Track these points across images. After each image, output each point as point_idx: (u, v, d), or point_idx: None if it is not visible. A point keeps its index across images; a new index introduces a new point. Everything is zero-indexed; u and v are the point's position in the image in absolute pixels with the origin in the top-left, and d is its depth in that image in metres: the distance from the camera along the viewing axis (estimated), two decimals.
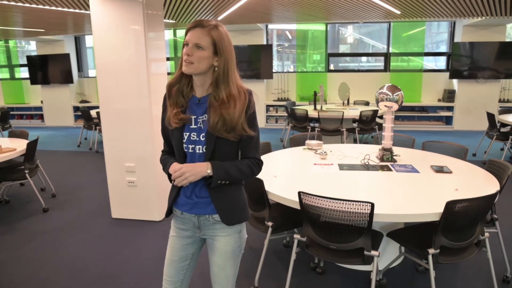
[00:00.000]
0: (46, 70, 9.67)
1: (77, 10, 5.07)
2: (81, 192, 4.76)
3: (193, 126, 1.53)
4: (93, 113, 7.06)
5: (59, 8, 4.86)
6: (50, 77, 9.72)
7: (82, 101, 10.02)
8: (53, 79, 9.72)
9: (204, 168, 1.47)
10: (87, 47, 10.33)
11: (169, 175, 1.54)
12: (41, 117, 10.33)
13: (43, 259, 3.10)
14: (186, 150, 1.54)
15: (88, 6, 3.64)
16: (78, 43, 10.15)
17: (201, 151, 1.52)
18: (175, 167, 1.48)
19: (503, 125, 5.91)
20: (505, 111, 6.35)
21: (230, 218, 1.58)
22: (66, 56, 9.52)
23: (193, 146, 1.52)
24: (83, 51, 10.30)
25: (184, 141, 1.53)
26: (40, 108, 10.24)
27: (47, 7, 4.73)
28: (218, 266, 1.63)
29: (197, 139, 1.52)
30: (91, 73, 10.48)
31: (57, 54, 9.59)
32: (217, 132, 1.47)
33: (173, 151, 1.64)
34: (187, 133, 1.53)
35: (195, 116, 1.53)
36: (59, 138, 8.45)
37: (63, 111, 10.01)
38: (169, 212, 1.67)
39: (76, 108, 9.95)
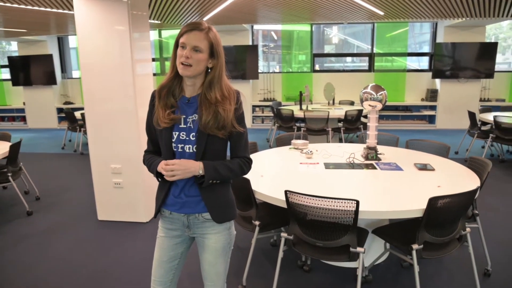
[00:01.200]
0: (28, 71, 9.48)
1: (60, 10, 5.01)
2: (66, 194, 4.70)
3: (182, 126, 1.54)
4: (77, 114, 6.97)
5: (42, 8, 4.80)
6: (32, 78, 9.54)
7: (66, 103, 9.87)
8: (35, 80, 9.55)
9: (197, 168, 1.48)
10: (70, 47, 10.18)
11: (158, 174, 1.55)
12: (23, 119, 10.13)
13: (28, 262, 3.05)
14: (175, 150, 1.55)
15: (72, 6, 3.60)
16: (61, 43, 9.99)
17: (191, 151, 1.53)
18: (169, 161, 1.49)
19: (484, 123, 6.05)
20: (485, 110, 6.50)
21: (220, 216, 1.60)
22: (49, 57, 9.36)
23: (182, 145, 1.53)
24: (66, 52, 10.14)
25: (173, 140, 1.54)
26: (22, 110, 10.04)
27: (29, 7, 4.66)
28: (209, 264, 1.64)
29: (187, 138, 1.53)
30: (75, 74, 10.33)
31: (40, 55, 9.42)
32: (208, 129, 1.49)
33: (157, 151, 1.64)
34: (177, 133, 1.54)
35: (184, 116, 1.55)
36: (43, 140, 8.31)
37: (46, 112, 9.84)
38: (158, 213, 1.67)
39: (59, 110, 9.80)
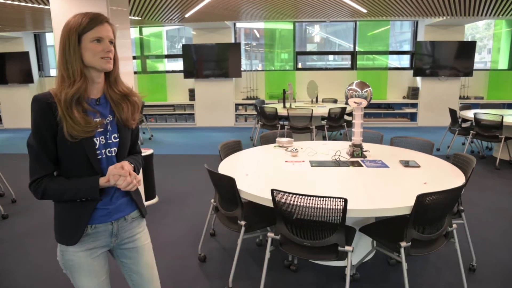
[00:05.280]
0: (3, 69, 9.17)
1: (35, 5, 4.83)
2: None
3: (100, 130, 1.40)
4: None
5: (15, 2, 4.61)
6: (7, 77, 9.23)
7: None
8: (11, 78, 9.24)
9: (130, 165, 1.40)
10: (48, 45, 9.89)
11: (92, 197, 1.38)
12: None
13: (4, 268, 2.92)
14: (100, 157, 1.40)
15: (48, 0, 3.46)
16: (38, 41, 9.70)
17: (113, 154, 1.44)
18: (113, 171, 1.33)
19: (464, 120, 6.15)
20: (465, 107, 6.61)
21: (144, 209, 1.60)
22: (25, 55, 9.06)
23: (105, 150, 1.42)
24: (43, 50, 9.85)
25: (96, 147, 1.39)
26: None
27: (1, 0, 4.48)
28: (148, 267, 1.60)
29: (108, 141, 1.43)
30: (53, 72, 10.04)
31: (15, 52, 9.11)
32: (128, 123, 1.46)
33: (55, 171, 1.42)
34: (98, 138, 1.39)
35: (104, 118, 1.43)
36: (19, 141, 8.05)
37: (23, 112, 9.52)
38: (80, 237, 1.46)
39: None
